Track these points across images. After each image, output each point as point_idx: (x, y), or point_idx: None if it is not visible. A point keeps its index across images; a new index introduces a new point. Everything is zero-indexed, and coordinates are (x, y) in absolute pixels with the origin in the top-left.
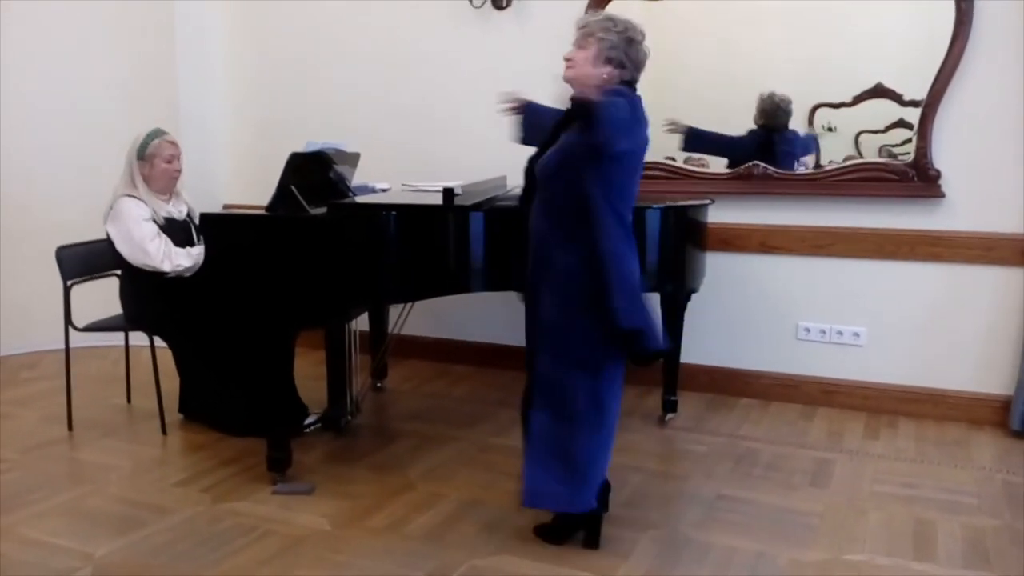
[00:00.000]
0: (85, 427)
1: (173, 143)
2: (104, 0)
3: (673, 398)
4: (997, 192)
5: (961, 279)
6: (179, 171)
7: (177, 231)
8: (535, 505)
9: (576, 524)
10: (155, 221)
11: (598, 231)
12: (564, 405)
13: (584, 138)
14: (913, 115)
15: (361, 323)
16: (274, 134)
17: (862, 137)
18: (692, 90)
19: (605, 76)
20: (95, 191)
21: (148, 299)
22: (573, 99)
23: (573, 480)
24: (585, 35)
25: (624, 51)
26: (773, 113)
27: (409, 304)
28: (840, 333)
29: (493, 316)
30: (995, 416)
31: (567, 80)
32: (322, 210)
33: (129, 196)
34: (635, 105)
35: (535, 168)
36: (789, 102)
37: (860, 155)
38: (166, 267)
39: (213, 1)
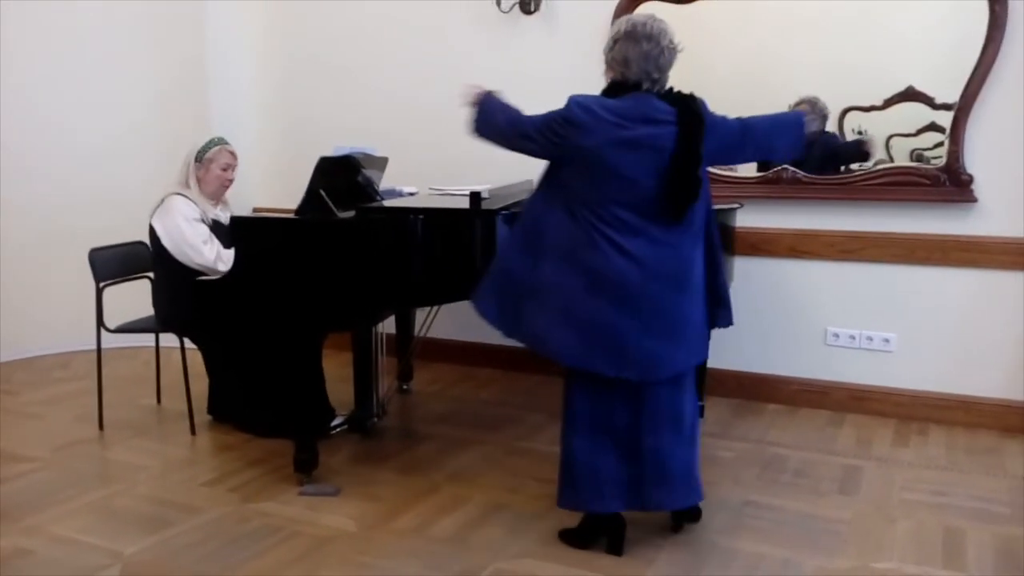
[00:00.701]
0: (115, 427)
1: (232, 153)
2: (136, 3)
3: (700, 403)
4: None
5: (993, 285)
6: (231, 180)
7: (221, 235)
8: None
9: (600, 529)
10: (204, 222)
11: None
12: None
13: None
14: (945, 118)
15: (387, 326)
16: (303, 138)
17: (893, 141)
18: (722, 93)
19: (607, 80)
20: (127, 193)
21: (180, 301)
22: None
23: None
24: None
25: (610, 52)
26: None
27: (435, 307)
28: (870, 339)
29: None
30: None
31: None
32: (350, 214)
33: (180, 195)
34: (602, 104)
35: None
36: (825, 106)
37: (891, 159)
38: (220, 267)
39: (244, 3)
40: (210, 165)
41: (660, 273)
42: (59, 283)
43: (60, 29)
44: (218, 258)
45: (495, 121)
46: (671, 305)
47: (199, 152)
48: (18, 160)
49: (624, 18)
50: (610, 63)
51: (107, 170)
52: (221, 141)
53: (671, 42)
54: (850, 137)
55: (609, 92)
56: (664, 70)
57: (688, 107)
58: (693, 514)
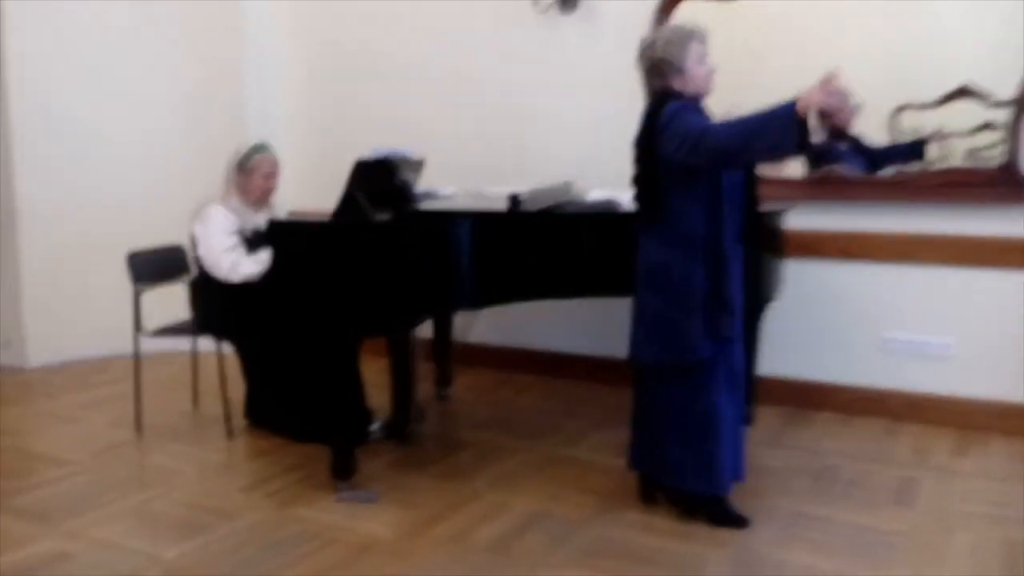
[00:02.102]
0: (153, 431)
1: (274, 161)
2: (172, 4)
3: (750, 410)
4: None
5: None
6: (274, 188)
7: (261, 242)
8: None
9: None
10: (242, 233)
11: None
12: None
13: None
14: (1001, 116)
15: (425, 331)
16: (339, 139)
17: (948, 140)
18: (772, 88)
19: None
20: (163, 197)
21: (218, 304)
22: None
23: None
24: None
25: None
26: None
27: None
28: (928, 344)
29: (558, 324)
30: None
31: (709, 92)
32: (387, 217)
33: (220, 203)
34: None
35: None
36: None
37: (946, 158)
38: (233, 278)
39: (280, 3)
40: (252, 174)
41: (637, 269)
42: (97, 287)
43: (92, 31)
44: (231, 270)
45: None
46: (639, 299)
47: (241, 160)
48: (55, 163)
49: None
50: None
51: (143, 172)
52: (263, 148)
53: (644, 53)
54: (903, 137)
55: None
56: (645, 77)
57: (648, 109)
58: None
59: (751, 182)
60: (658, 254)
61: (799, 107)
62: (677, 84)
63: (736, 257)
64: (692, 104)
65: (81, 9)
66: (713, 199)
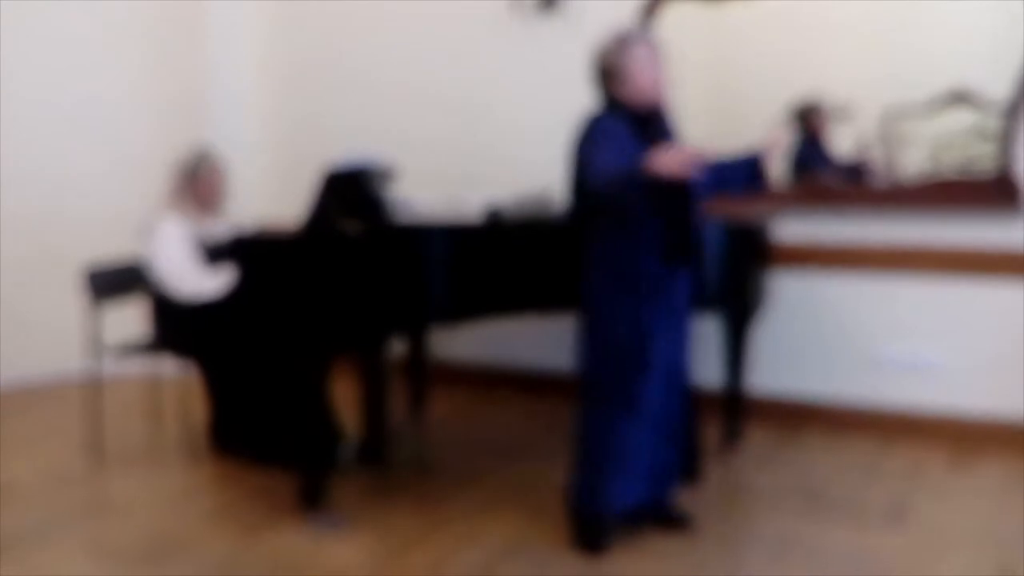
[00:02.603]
0: (113, 454)
1: (221, 164)
2: (134, 11)
3: (737, 427)
4: None
5: None
6: (226, 192)
7: (217, 252)
8: None
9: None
10: (194, 243)
11: None
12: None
13: None
14: (994, 123)
15: (399, 349)
16: (307, 145)
17: (940, 148)
18: (761, 96)
19: None
20: (120, 210)
21: (180, 322)
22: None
23: None
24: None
25: None
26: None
27: (450, 328)
28: (917, 358)
29: (537, 340)
30: None
31: (660, 99)
32: (357, 228)
33: (171, 215)
34: None
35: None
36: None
37: (938, 167)
38: (196, 294)
39: (245, 8)
40: (203, 181)
41: None
42: (55, 303)
43: (51, 38)
44: (193, 284)
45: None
46: None
47: (189, 170)
48: (12, 176)
49: None
50: None
51: (104, 187)
52: (206, 153)
53: (592, 59)
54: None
55: None
56: (593, 85)
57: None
58: None
59: (683, 199)
60: (586, 273)
61: (645, 168)
62: (621, 92)
63: (661, 277)
64: (610, 126)
65: (41, 17)
66: (627, 220)
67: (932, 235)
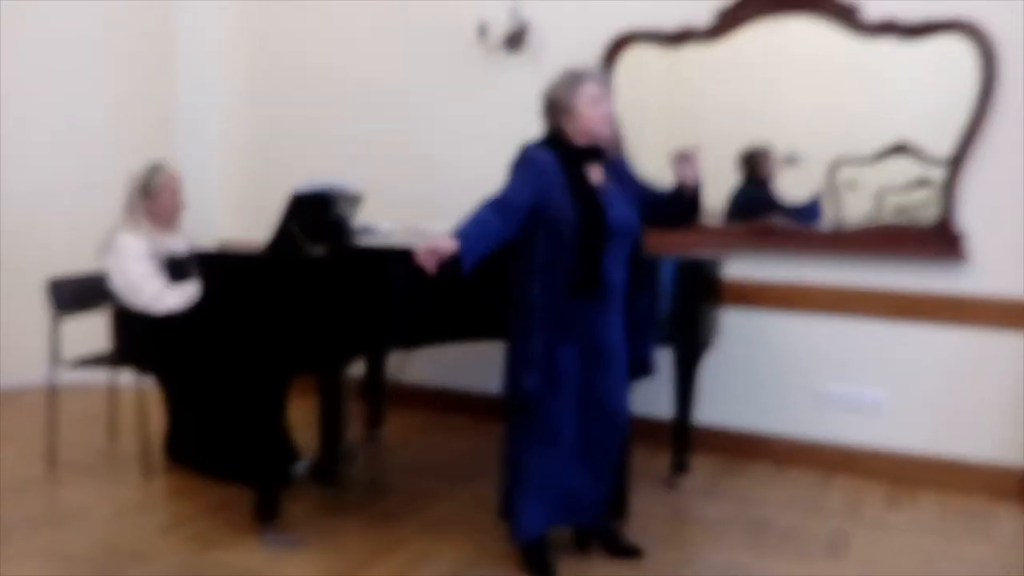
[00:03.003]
0: (67, 466)
1: (176, 178)
2: (100, 24)
3: (683, 459)
4: (1022, 256)
5: (985, 344)
6: (183, 205)
7: (176, 266)
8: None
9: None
10: (154, 259)
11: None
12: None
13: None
14: (936, 174)
15: (357, 370)
16: (273, 168)
17: (884, 195)
18: (715, 138)
19: None
20: (81, 222)
21: (141, 336)
22: (596, 150)
23: None
24: (611, 94)
25: None
26: (748, 167)
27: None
28: (860, 397)
29: (494, 366)
30: (1020, 488)
31: (605, 136)
32: (322, 250)
33: (129, 231)
34: None
35: (612, 224)
36: (766, 155)
37: (882, 213)
38: (157, 308)
39: (215, 28)
40: (160, 195)
41: None
42: (10, 313)
43: (19, 53)
44: (155, 298)
45: (486, 232)
46: None
47: (144, 185)
48: None
49: None
50: None
51: (68, 199)
52: (161, 167)
53: (543, 92)
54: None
55: None
56: (542, 116)
57: None
58: None
59: (595, 236)
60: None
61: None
62: (568, 125)
63: (567, 310)
64: (535, 156)
65: (6, 24)
66: (530, 253)
67: (876, 278)
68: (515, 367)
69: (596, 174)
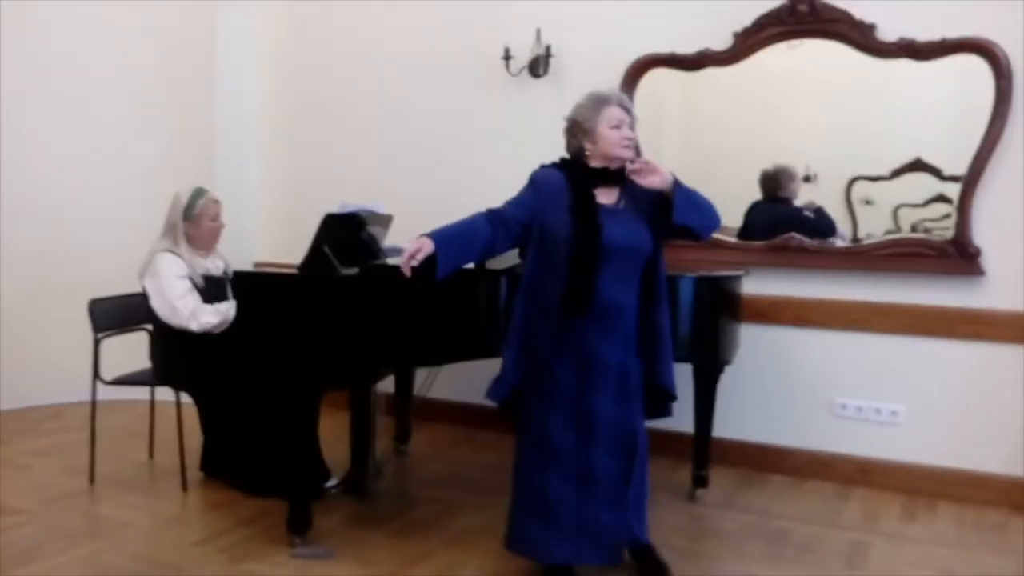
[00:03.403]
0: (106, 481)
1: (217, 201)
2: (146, 55)
3: (703, 473)
4: None
5: (1002, 358)
6: (222, 227)
7: (214, 287)
8: (643, 540)
9: None
10: (192, 279)
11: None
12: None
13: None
14: (953, 190)
15: (386, 385)
16: (307, 191)
17: (901, 211)
18: (727, 159)
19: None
20: (128, 244)
21: (178, 355)
22: (613, 172)
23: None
24: (634, 118)
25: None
26: (763, 184)
27: (436, 367)
28: (878, 411)
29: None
30: None
31: (626, 159)
32: (354, 271)
33: (168, 252)
34: None
35: (607, 243)
36: (779, 172)
37: (899, 229)
38: (193, 326)
39: (253, 54)
40: (200, 220)
41: None
42: (57, 333)
43: (68, 77)
44: (192, 316)
45: (464, 242)
46: None
47: (186, 209)
48: (18, 207)
49: None
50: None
51: (108, 219)
52: (204, 192)
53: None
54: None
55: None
56: (565, 137)
57: None
58: None
59: (589, 255)
60: None
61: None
62: (588, 145)
63: (564, 329)
64: (543, 175)
65: (58, 55)
66: (529, 262)
67: (892, 294)
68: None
69: (607, 196)
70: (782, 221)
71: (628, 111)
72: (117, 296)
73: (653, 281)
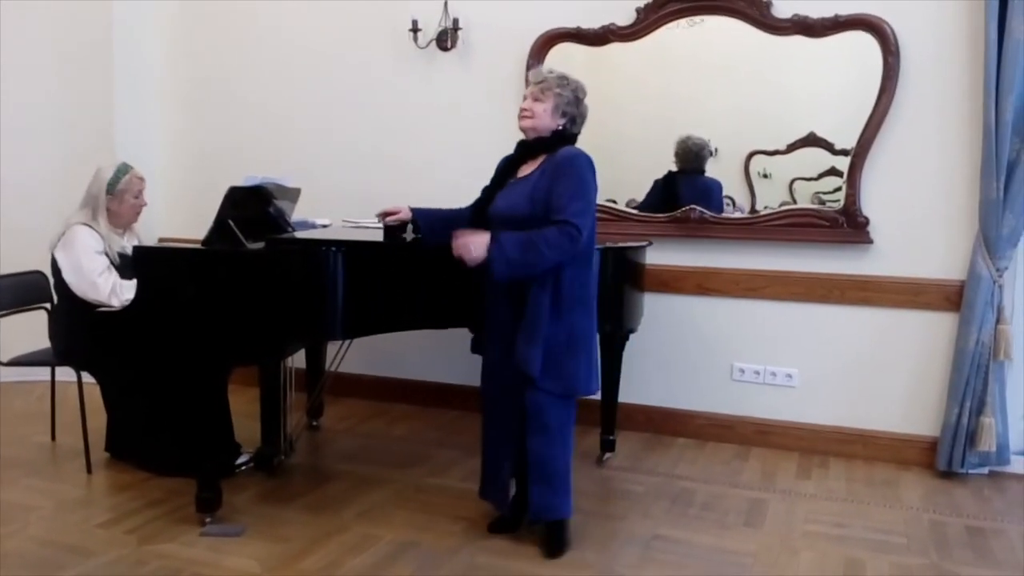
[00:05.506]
0: (6, 465)
1: (142, 179)
2: (41, 24)
3: (611, 438)
4: (923, 239)
5: (889, 323)
6: (144, 205)
7: (128, 266)
8: (546, 518)
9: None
10: (107, 255)
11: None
12: (551, 427)
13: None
14: (844, 164)
15: (297, 360)
16: (211, 166)
17: (796, 184)
18: (631, 134)
19: (559, 128)
20: (25, 221)
21: (79, 333)
22: (528, 143)
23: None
24: (543, 89)
25: (576, 107)
26: (685, 156)
27: (347, 341)
28: (774, 374)
29: (432, 354)
30: (922, 457)
31: (524, 129)
32: (260, 245)
33: (85, 225)
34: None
35: (490, 212)
36: (703, 146)
37: (794, 201)
38: (114, 302)
39: (153, 27)
40: (124, 195)
41: None
42: None
43: None
44: (112, 292)
45: (443, 218)
46: None
47: (110, 184)
48: None
49: (574, 78)
50: (574, 117)
51: (5, 199)
52: (129, 168)
53: (576, 94)
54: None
55: (557, 141)
56: (565, 107)
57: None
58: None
59: (479, 222)
60: None
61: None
62: (579, 130)
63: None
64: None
65: None
66: None
67: (787, 263)
68: None
69: (529, 167)
70: (709, 191)
71: (530, 82)
72: (12, 274)
73: None
